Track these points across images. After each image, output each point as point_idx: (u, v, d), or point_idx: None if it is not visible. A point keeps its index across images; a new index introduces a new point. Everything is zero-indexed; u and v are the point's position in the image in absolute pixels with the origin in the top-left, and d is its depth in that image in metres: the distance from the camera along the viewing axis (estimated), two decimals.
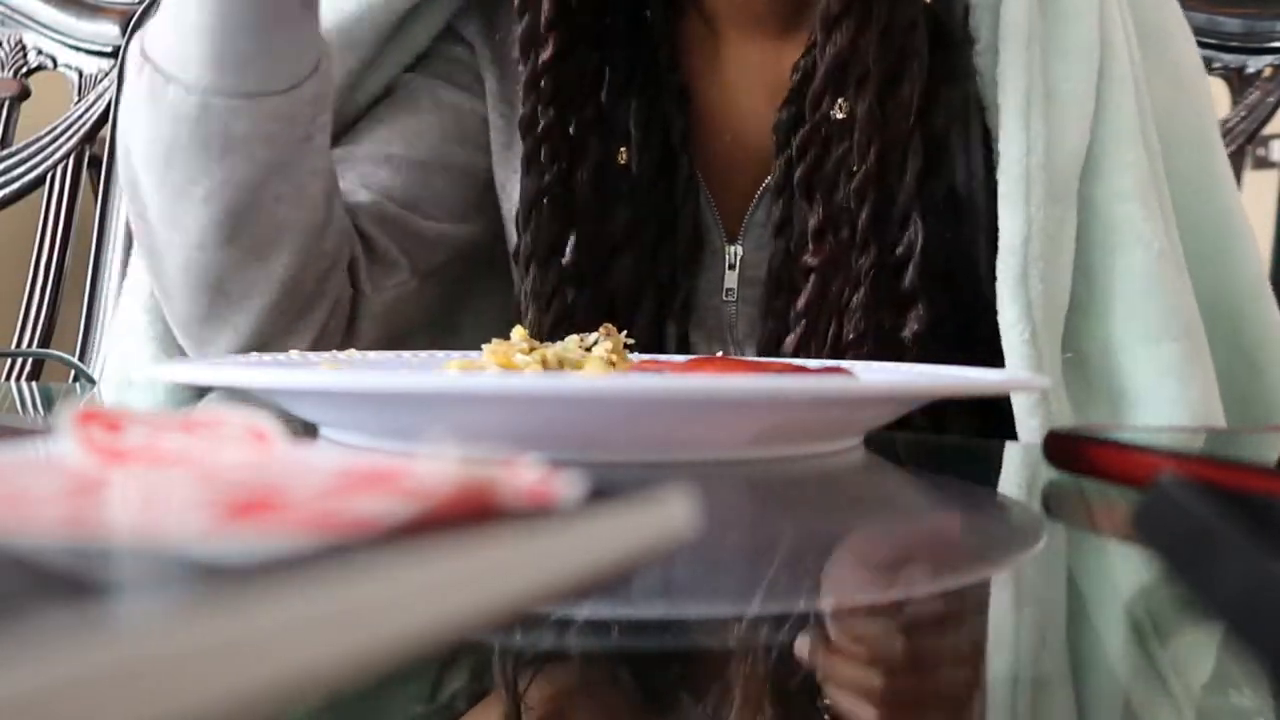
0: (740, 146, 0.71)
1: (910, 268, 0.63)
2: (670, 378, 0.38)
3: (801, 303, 0.64)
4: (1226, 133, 0.98)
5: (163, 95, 0.60)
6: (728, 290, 0.71)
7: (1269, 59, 0.97)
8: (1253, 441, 0.40)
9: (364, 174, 0.73)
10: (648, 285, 0.69)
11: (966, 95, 0.65)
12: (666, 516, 0.15)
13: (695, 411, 0.33)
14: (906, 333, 0.62)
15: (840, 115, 0.63)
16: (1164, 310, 0.63)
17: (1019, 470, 0.46)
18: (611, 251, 0.69)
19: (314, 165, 0.65)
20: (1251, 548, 0.16)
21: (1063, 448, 0.36)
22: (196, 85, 0.60)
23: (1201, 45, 1.00)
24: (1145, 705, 0.18)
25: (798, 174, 0.64)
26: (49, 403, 0.64)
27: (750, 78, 0.72)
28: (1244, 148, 0.98)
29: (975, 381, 0.43)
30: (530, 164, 0.69)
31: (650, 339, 0.68)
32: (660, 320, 0.69)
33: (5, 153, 1.18)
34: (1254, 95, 0.97)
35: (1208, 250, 0.69)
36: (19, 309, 1.14)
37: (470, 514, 0.14)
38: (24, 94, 1.19)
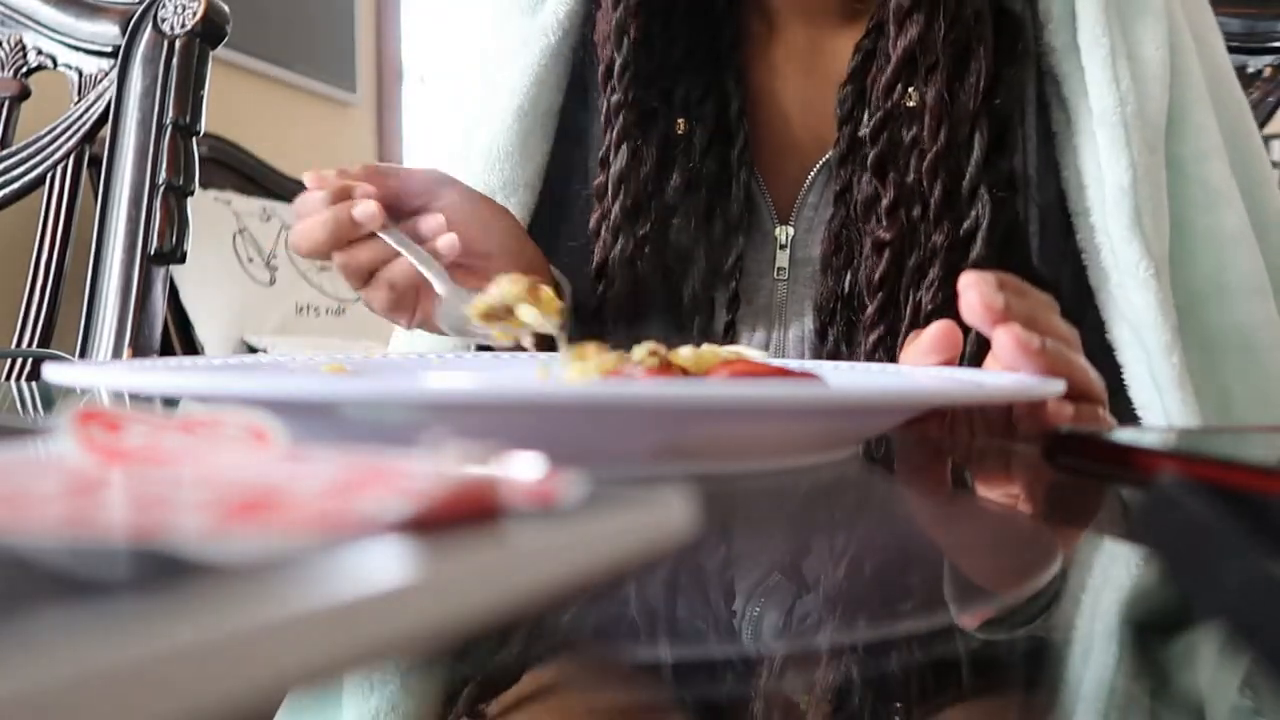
0: (792, 133, 0.77)
1: (978, 240, 0.67)
2: (614, 385, 0.38)
3: (877, 275, 0.68)
4: None
5: None
6: (779, 270, 0.75)
7: (1269, 59, 0.97)
8: (1253, 441, 0.40)
9: None
10: (699, 248, 0.75)
11: (1024, 75, 0.70)
12: (665, 517, 0.15)
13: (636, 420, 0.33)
14: None
15: (910, 104, 0.68)
16: (1247, 266, 0.67)
17: (1019, 471, 0.46)
18: (669, 212, 0.75)
19: None
20: (1251, 548, 0.16)
21: (1063, 448, 0.36)
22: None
23: None
24: (1145, 705, 0.18)
25: (870, 156, 0.69)
26: (49, 403, 0.64)
27: (803, 67, 0.77)
28: None
29: (988, 390, 0.43)
30: (618, 144, 0.75)
31: (699, 312, 0.74)
32: (710, 290, 0.75)
33: (5, 153, 1.18)
34: (1254, 95, 0.97)
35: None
36: (19, 309, 1.14)
37: (470, 514, 0.14)
38: (24, 94, 1.19)
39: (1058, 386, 0.40)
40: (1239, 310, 0.68)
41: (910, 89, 0.68)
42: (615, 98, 0.75)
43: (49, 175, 1.16)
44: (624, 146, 0.75)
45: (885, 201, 0.68)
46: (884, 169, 0.69)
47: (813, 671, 0.20)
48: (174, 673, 0.09)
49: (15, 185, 1.17)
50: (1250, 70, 0.98)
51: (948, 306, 0.64)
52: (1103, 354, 0.65)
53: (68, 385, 0.64)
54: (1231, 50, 0.99)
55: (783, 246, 0.75)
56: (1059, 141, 0.70)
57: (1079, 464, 0.35)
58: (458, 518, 0.13)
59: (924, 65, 0.67)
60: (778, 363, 0.45)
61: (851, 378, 0.51)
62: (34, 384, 0.90)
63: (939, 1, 0.67)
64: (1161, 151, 0.68)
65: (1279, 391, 0.67)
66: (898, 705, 0.18)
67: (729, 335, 0.75)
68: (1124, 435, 0.35)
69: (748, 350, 0.44)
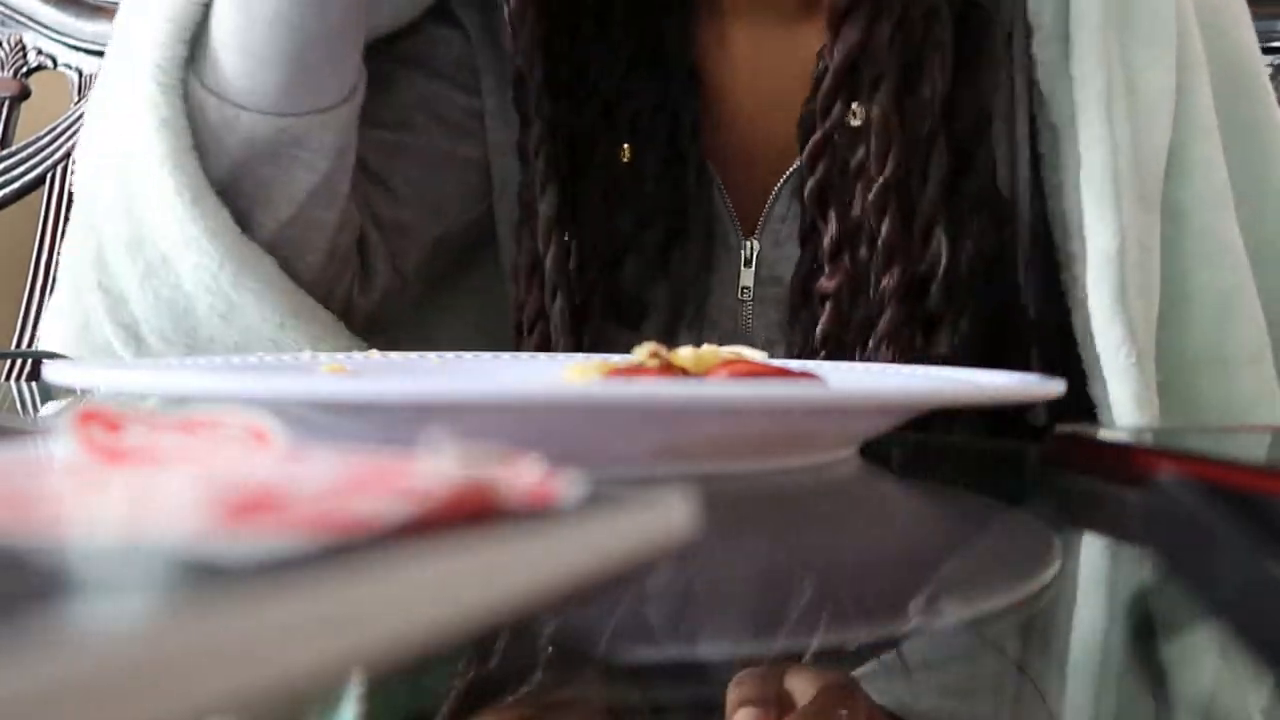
0: (756, 135, 0.66)
1: (934, 288, 0.58)
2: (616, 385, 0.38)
3: (819, 331, 0.59)
4: None
5: (235, 124, 0.60)
6: (743, 289, 0.65)
7: (1269, 59, 0.97)
8: (1253, 441, 0.40)
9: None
10: (659, 290, 0.65)
11: (999, 83, 0.61)
12: (665, 518, 0.15)
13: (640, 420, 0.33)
14: (936, 354, 0.58)
15: (855, 122, 0.58)
16: (1246, 332, 0.59)
17: (1019, 472, 0.46)
18: (617, 256, 0.65)
19: (349, 164, 0.64)
20: (1251, 548, 0.16)
21: (1063, 448, 0.36)
22: (272, 109, 0.60)
23: None
24: (1146, 705, 0.18)
25: (809, 186, 0.59)
26: (49, 403, 0.64)
27: (765, 61, 0.66)
28: None
29: (988, 391, 0.43)
30: (526, 162, 0.65)
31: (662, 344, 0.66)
32: (673, 327, 0.64)
33: (5, 153, 1.18)
34: None
35: (1267, 252, 0.63)
36: (19, 309, 1.14)
37: (470, 514, 0.14)
38: (24, 94, 1.19)
39: (1058, 386, 0.40)
40: (1235, 381, 0.59)
41: (855, 105, 0.58)
42: (538, 129, 0.63)
43: (49, 175, 1.16)
44: (553, 187, 0.63)
45: (827, 241, 0.58)
46: (825, 202, 0.59)
47: (812, 672, 0.20)
48: (174, 673, 0.09)
49: (15, 185, 1.17)
50: None
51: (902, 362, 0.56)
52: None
53: (68, 385, 0.64)
54: None
55: (747, 263, 0.65)
56: (1046, 165, 0.60)
57: (1079, 464, 0.35)
58: (458, 518, 0.13)
59: (868, 76, 0.57)
60: (778, 363, 0.45)
61: (851, 378, 0.51)
62: (34, 384, 0.90)
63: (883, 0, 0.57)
64: (1158, 206, 0.58)
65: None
66: (896, 705, 0.18)
67: None
68: (1124, 435, 0.35)
69: (748, 350, 0.44)
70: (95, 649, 0.08)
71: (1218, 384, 0.59)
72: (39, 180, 1.17)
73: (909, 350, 0.57)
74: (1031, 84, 0.60)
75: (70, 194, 1.16)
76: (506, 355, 0.59)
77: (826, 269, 0.59)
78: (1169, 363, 0.58)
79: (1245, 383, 0.59)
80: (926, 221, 0.58)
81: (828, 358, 0.58)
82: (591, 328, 0.65)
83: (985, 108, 0.60)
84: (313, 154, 0.61)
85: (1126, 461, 0.33)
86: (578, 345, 0.63)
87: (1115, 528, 0.32)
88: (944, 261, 0.57)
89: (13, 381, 1.06)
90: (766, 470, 0.36)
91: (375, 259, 0.70)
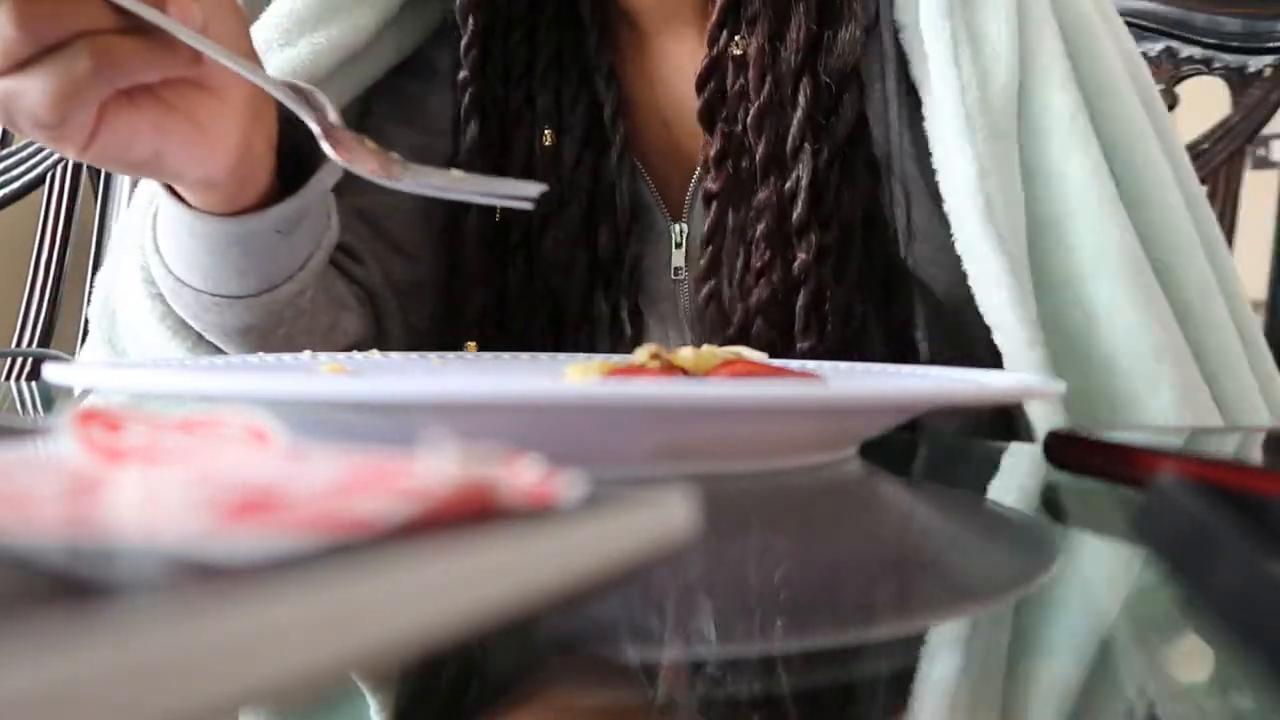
0: (672, 135, 0.74)
1: (798, 201, 0.65)
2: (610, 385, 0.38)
3: (705, 229, 0.67)
4: (1226, 133, 0.98)
5: (179, 291, 0.63)
6: (676, 269, 0.74)
7: (1269, 59, 0.97)
8: (1252, 441, 0.40)
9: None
10: (579, 254, 0.72)
11: (861, 39, 0.68)
12: (665, 518, 0.15)
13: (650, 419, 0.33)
14: (796, 262, 0.65)
15: (737, 51, 0.67)
16: (1118, 248, 0.63)
17: (1018, 472, 0.46)
18: (540, 224, 0.72)
19: (326, 299, 0.67)
20: (1251, 548, 0.16)
21: (1063, 448, 0.36)
22: (204, 289, 0.62)
23: (1201, 45, 1.00)
24: (1146, 705, 0.18)
25: (698, 105, 0.67)
26: (49, 403, 0.64)
27: (677, 66, 0.74)
28: (1244, 147, 0.98)
29: (988, 391, 0.43)
30: (463, 126, 0.72)
31: (603, 318, 0.72)
32: (609, 297, 0.72)
33: (5, 153, 1.18)
34: (1254, 95, 0.97)
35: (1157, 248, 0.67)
36: (19, 309, 1.14)
37: (470, 514, 0.14)
38: None
39: (1059, 386, 0.40)
40: (1092, 291, 0.63)
41: (737, 37, 0.67)
42: (467, 102, 0.72)
43: (49, 175, 1.16)
44: (479, 158, 0.72)
45: (712, 151, 0.67)
46: (713, 119, 0.67)
47: (812, 672, 0.20)
48: (174, 673, 0.09)
49: (15, 185, 1.17)
50: (1250, 70, 0.98)
51: (775, 267, 0.65)
52: (994, 358, 0.61)
53: (68, 385, 0.64)
54: (1231, 50, 0.99)
55: (678, 245, 0.73)
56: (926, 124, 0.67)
57: (1079, 464, 0.35)
58: (458, 518, 0.13)
59: (745, 16, 0.67)
60: (778, 363, 0.45)
61: (852, 378, 0.51)
62: (34, 384, 0.90)
63: None
64: (1012, 136, 0.64)
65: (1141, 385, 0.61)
66: (896, 706, 0.18)
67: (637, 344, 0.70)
68: (1124, 435, 0.35)
69: (748, 350, 0.44)
70: (96, 649, 0.08)
71: (1100, 296, 0.63)
72: (39, 180, 1.17)
73: (782, 255, 0.66)
74: (898, 46, 0.68)
75: (70, 194, 1.16)
76: (507, 355, 0.59)
77: (712, 173, 0.67)
78: (1037, 285, 0.63)
79: (1101, 293, 0.63)
80: (795, 142, 0.66)
81: (712, 259, 0.67)
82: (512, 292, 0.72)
83: (848, 56, 0.67)
84: (261, 323, 0.64)
85: (1126, 461, 0.33)
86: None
87: (1115, 528, 0.32)
88: (807, 177, 0.66)
89: (13, 381, 1.06)
90: (766, 470, 0.36)
91: (390, 325, 0.74)
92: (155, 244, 0.63)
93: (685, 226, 0.73)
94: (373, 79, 0.76)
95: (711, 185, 0.67)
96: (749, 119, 0.66)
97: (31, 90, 0.46)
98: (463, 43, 0.72)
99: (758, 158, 0.66)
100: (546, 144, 0.73)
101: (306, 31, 0.71)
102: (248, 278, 0.61)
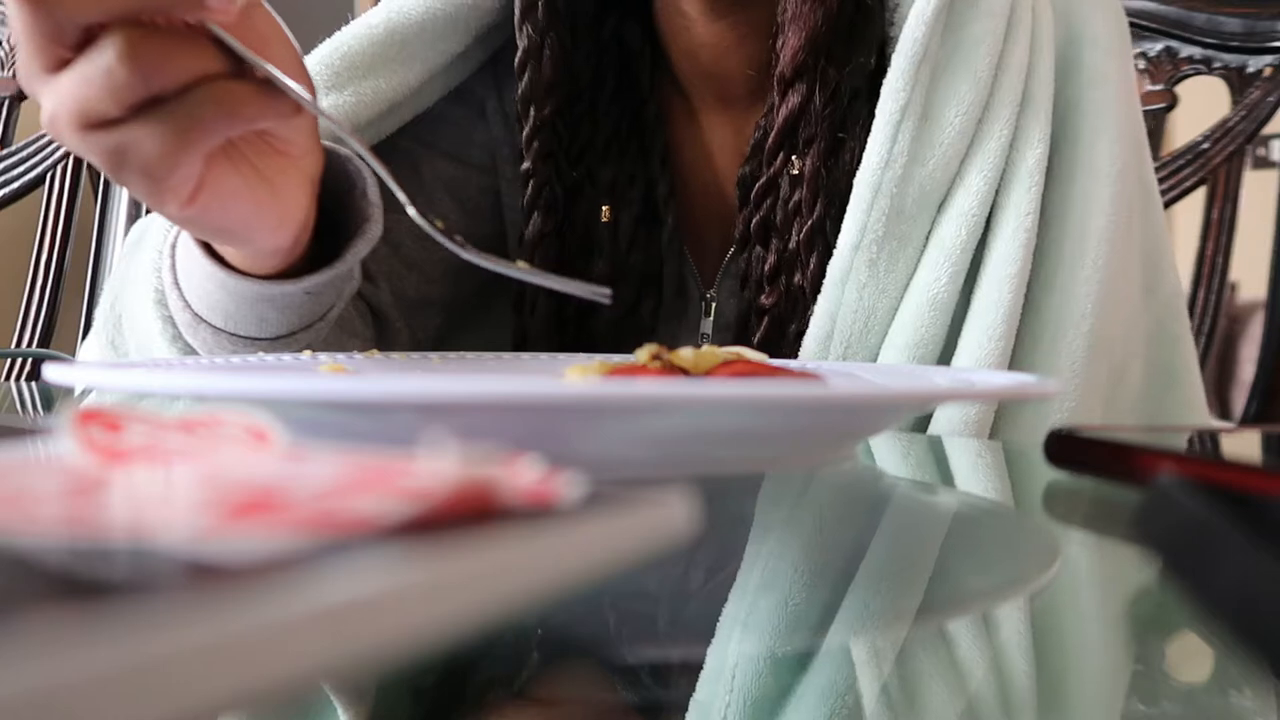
0: (714, 203, 0.77)
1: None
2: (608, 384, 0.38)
3: (755, 342, 0.68)
4: (1226, 133, 0.98)
5: (196, 326, 0.63)
6: (703, 335, 0.76)
7: (1269, 59, 0.97)
8: (1252, 442, 0.40)
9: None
10: (627, 339, 0.72)
11: None
12: (666, 518, 0.15)
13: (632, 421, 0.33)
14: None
15: (794, 171, 0.69)
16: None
17: (1018, 472, 0.46)
18: (593, 306, 0.72)
19: (337, 331, 0.69)
20: (1251, 548, 0.16)
21: (1063, 448, 0.36)
22: (224, 329, 0.62)
23: (1201, 45, 1.00)
24: (1146, 705, 0.18)
25: (754, 220, 0.70)
26: (49, 403, 0.64)
27: (721, 141, 0.78)
28: (1244, 148, 0.98)
29: (985, 391, 0.43)
30: (527, 215, 0.74)
31: None
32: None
33: (5, 153, 1.18)
34: (1254, 95, 0.97)
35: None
36: (19, 309, 1.14)
37: (470, 514, 0.14)
38: (24, 94, 1.19)
39: (1055, 386, 0.40)
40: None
41: (794, 157, 0.69)
42: (531, 192, 0.73)
43: (49, 175, 1.16)
44: (540, 218, 0.73)
45: (767, 267, 0.69)
46: (768, 235, 0.70)
47: (812, 672, 0.20)
48: (174, 673, 0.09)
49: (15, 185, 1.17)
50: (1250, 70, 0.98)
51: None
52: None
53: (68, 385, 0.64)
54: (1231, 50, 0.99)
55: (706, 313, 0.76)
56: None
57: (1079, 464, 0.35)
58: (457, 518, 0.13)
59: (804, 135, 0.68)
60: (777, 363, 0.45)
61: (852, 378, 0.51)
62: (34, 384, 0.89)
63: (819, 75, 0.67)
64: (925, 222, 0.65)
65: None
66: (896, 706, 0.18)
67: None
68: (1124, 435, 0.35)
69: (748, 351, 0.44)
70: (96, 649, 0.08)
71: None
72: (39, 180, 1.17)
73: None
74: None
75: (70, 194, 1.16)
76: (507, 355, 0.60)
77: (766, 289, 0.69)
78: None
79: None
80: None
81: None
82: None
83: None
84: (315, 340, 0.65)
85: (1126, 461, 0.33)
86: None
87: (1115, 528, 0.32)
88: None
89: (13, 381, 1.06)
90: (767, 470, 0.36)
91: (396, 343, 0.76)
92: (175, 278, 0.62)
93: (715, 296, 0.76)
94: (410, 119, 0.77)
95: (766, 300, 0.69)
96: (801, 236, 0.68)
97: (146, 138, 0.44)
98: (524, 133, 0.73)
99: (809, 273, 0.67)
100: (604, 220, 0.75)
101: (356, 79, 0.72)
102: (269, 325, 0.61)
